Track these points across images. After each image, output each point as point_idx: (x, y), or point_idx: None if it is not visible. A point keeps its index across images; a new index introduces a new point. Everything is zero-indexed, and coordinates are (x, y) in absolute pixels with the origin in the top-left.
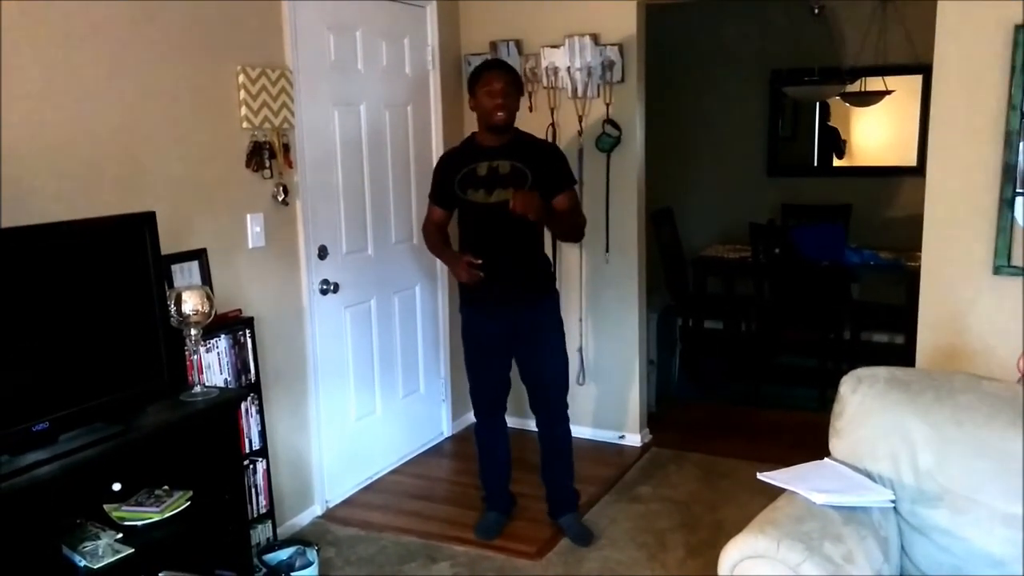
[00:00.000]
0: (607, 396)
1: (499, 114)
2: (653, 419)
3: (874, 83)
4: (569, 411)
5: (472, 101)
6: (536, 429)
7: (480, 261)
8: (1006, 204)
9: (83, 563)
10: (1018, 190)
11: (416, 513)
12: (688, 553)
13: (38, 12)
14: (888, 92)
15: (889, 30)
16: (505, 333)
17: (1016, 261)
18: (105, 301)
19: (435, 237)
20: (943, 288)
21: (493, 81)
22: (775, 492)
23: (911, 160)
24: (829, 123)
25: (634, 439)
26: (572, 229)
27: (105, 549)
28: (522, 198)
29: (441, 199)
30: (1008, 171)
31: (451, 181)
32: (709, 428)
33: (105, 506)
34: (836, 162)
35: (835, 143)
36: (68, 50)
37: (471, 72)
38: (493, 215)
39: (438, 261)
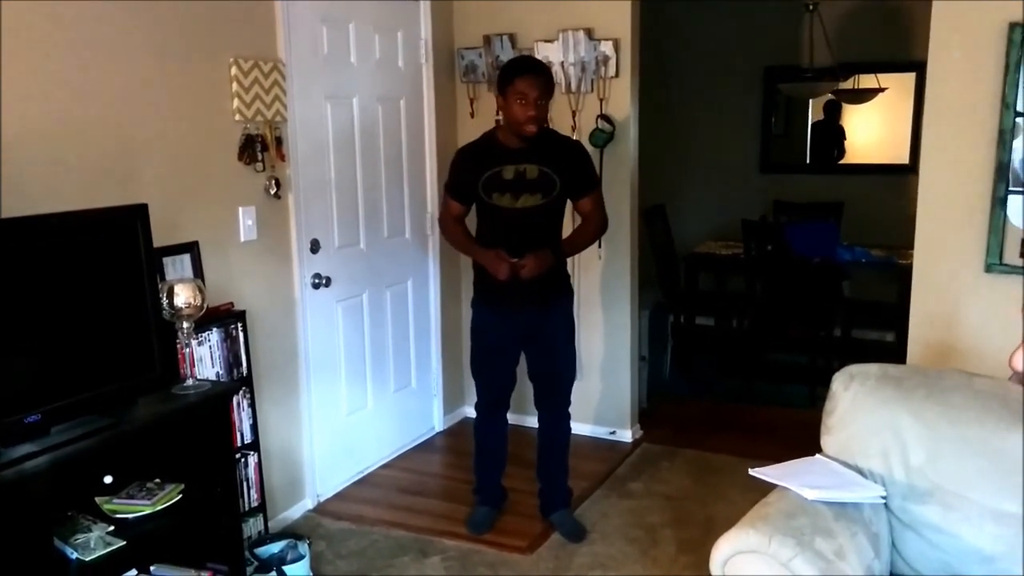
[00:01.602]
0: (599, 392)
1: (530, 127)
2: (644, 415)
3: (867, 80)
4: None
5: (500, 101)
6: (534, 425)
7: (516, 260)
8: (998, 202)
9: (75, 555)
10: (1011, 188)
11: (407, 507)
12: (679, 548)
13: (31, 6)
14: (881, 89)
15: (883, 27)
16: (518, 334)
17: (1008, 259)
18: (97, 293)
19: (458, 232)
20: (935, 286)
21: (528, 90)
22: (766, 488)
23: (904, 158)
24: (839, 122)
25: (625, 435)
26: (591, 242)
27: (97, 541)
28: (533, 264)
29: (459, 194)
30: (1001, 169)
31: (474, 181)
32: (700, 424)
33: (96, 499)
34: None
35: (839, 142)
36: (60, 43)
37: (504, 69)
38: (518, 220)
39: (431, 255)
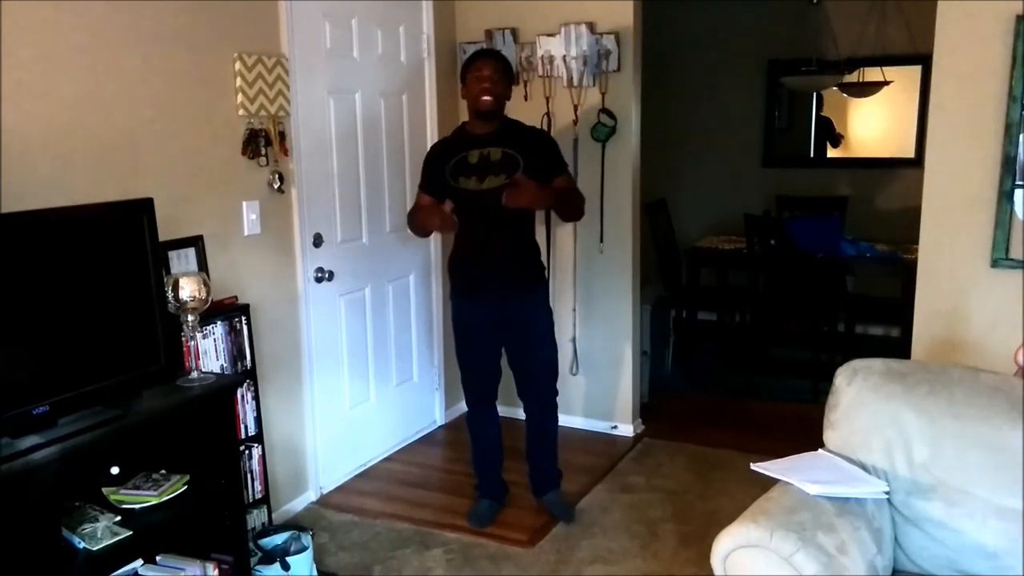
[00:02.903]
0: (600, 386)
1: (484, 97)
2: (646, 410)
3: (872, 74)
4: (559, 398)
5: (463, 89)
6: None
7: (452, 207)
8: (1005, 196)
9: (82, 545)
10: (1017, 182)
11: (409, 500)
12: (680, 543)
13: (36, 3)
14: (886, 83)
15: (887, 20)
16: (494, 322)
17: (1014, 254)
18: (103, 286)
19: (415, 213)
20: (940, 281)
21: (482, 67)
22: (768, 483)
23: (909, 151)
24: (822, 113)
25: (627, 429)
26: (574, 209)
27: (104, 531)
28: (516, 191)
29: (430, 187)
30: (1008, 163)
31: (442, 170)
32: (702, 419)
33: (103, 489)
34: (832, 152)
35: (829, 133)
36: (65, 39)
37: (464, 62)
38: (485, 202)
39: (433, 250)
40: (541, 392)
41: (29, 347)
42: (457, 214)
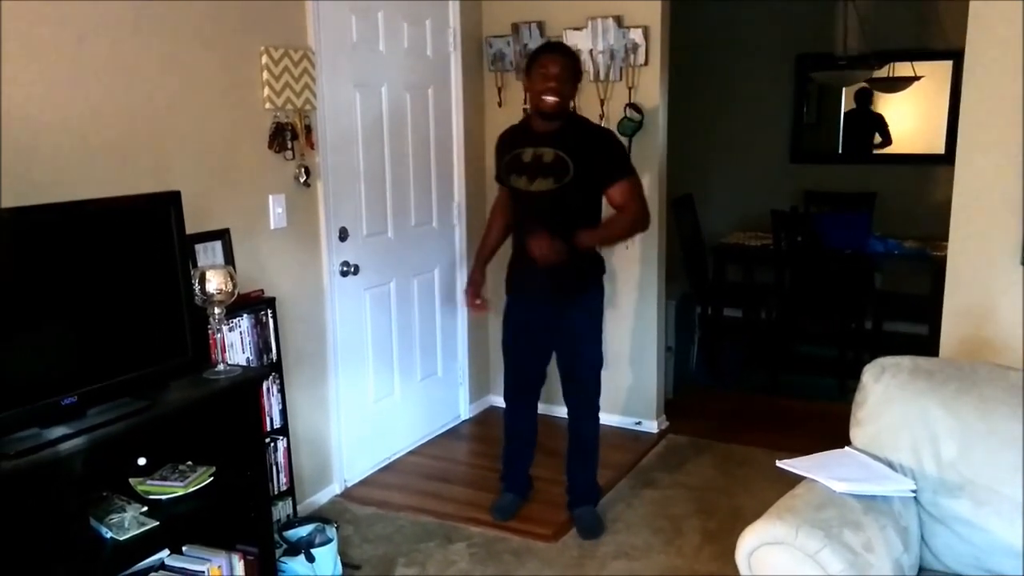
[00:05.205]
0: (625, 382)
1: (548, 98)
2: (671, 406)
3: (902, 69)
4: (600, 400)
5: (527, 82)
6: (565, 415)
7: (479, 302)
8: None
9: (109, 535)
10: None
11: (433, 494)
12: (704, 539)
13: None
14: (917, 78)
15: (918, 14)
16: (543, 325)
17: None
18: (131, 279)
19: (489, 224)
20: (969, 278)
21: (549, 64)
22: (793, 481)
23: (939, 148)
24: (871, 109)
25: (651, 426)
26: (622, 235)
27: (131, 522)
28: (538, 245)
29: (500, 178)
30: None
31: (500, 162)
32: (727, 416)
33: (131, 480)
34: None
35: (881, 129)
36: (93, 33)
37: (530, 53)
38: (534, 203)
39: (458, 244)
40: (584, 399)
41: (58, 338)
42: (513, 210)
